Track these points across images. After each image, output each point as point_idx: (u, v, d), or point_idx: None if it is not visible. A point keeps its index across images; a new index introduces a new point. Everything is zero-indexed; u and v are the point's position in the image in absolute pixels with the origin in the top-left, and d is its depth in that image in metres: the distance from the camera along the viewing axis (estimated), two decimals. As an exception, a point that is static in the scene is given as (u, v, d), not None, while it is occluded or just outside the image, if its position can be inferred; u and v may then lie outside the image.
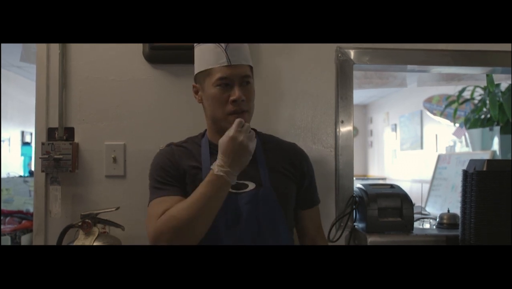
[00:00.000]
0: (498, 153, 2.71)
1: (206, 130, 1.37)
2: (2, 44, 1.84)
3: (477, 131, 2.98)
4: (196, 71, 1.30)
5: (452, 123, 4.06)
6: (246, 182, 1.24)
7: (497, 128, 2.82)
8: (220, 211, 1.18)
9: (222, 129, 1.23)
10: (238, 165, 1.15)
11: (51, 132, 1.61)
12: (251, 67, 1.30)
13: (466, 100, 3.30)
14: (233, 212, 1.22)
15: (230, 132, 1.14)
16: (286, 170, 1.33)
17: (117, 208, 1.47)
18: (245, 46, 1.29)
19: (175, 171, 1.27)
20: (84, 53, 1.64)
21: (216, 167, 1.14)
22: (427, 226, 1.77)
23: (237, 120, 1.16)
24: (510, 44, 1.70)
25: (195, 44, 1.31)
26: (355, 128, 1.93)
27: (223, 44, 1.23)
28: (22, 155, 5.93)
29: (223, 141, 1.15)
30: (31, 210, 2.97)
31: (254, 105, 1.31)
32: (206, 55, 1.25)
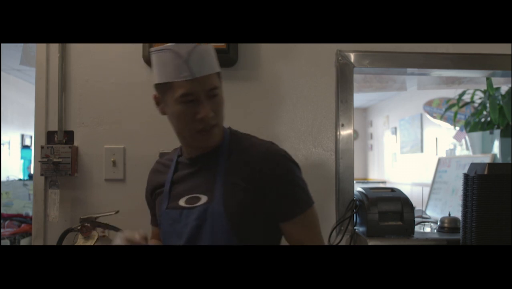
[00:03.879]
0: (498, 156, 2.70)
1: None
2: (2, 48, 1.84)
3: (477, 135, 2.98)
4: (155, 82, 1.12)
5: (452, 127, 4.07)
6: (199, 195, 1.13)
7: (497, 132, 2.81)
8: (168, 226, 1.16)
9: (191, 145, 1.17)
10: None
11: (50, 135, 1.61)
12: (218, 74, 1.12)
13: (466, 104, 3.30)
14: (179, 228, 1.14)
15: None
16: (244, 181, 1.12)
17: (117, 212, 1.47)
18: (209, 49, 1.10)
19: (149, 196, 1.29)
20: (84, 57, 1.64)
21: None
22: (428, 230, 1.76)
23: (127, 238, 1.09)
24: (510, 47, 1.70)
25: (151, 48, 1.14)
26: (355, 132, 1.93)
27: (183, 54, 1.05)
28: (21, 158, 5.93)
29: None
30: (31, 213, 2.96)
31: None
32: (165, 66, 1.08)
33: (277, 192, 1.12)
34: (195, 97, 1.07)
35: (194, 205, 1.12)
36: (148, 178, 1.29)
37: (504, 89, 2.88)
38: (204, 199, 1.12)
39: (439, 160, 2.78)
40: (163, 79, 1.09)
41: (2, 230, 2.77)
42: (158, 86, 1.12)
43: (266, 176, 1.11)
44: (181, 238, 1.13)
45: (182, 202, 1.15)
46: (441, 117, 4.69)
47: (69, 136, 1.61)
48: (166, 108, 1.14)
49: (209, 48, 1.10)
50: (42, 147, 1.57)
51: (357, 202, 1.61)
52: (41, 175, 1.58)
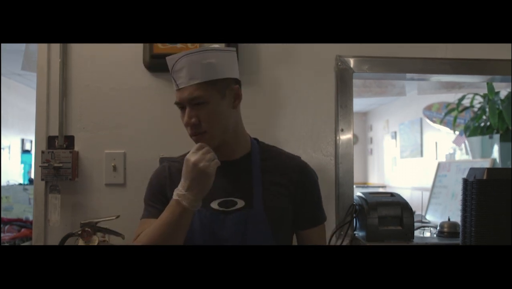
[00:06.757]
0: (498, 160, 2.70)
1: None
2: (3, 52, 1.84)
3: (476, 139, 2.98)
4: None
5: (452, 131, 4.06)
6: (235, 199, 1.17)
7: (496, 136, 2.82)
8: (202, 230, 1.16)
9: None
10: (198, 190, 1.08)
11: (51, 140, 1.61)
12: (209, 82, 1.13)
13: (466, 108, 3.30)
14: (217, 232, 1.16)
15: (188, 156, 1.10)
16: (282, 187, 1.23)
17: (117, 217, 1.47)
18: (194, 60, 1.12)
19: (160, 193, 1.24)
20: (84, 62, 1.64)
21: (175, 191, 1.09)
22: (427, 234, 1.76)
23: (197, 145, 1.12)
24: (509, 52, 1.70)
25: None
26: (355, 136, 1.93)
27: (170, 66, 1.16)
28: (22, 162, 5.93)
29: (184, 164, 1.10)
30: (31, 218, 2.96)
31: (235, 121, 1.23)
32: None
33: (308, 201, 1.27)
34: (183, 106, 1.16)
35: (231, 209, 1.17)
36: (160, 175, 1.27)
37: (503, 93, 2.89)
38: (241, 203, 1.17)
39: (439, 164, 2.78)
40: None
41: (2, 235, 2.77)
42: None
43: (301, 186, 1.25)
44: (219, 241, 1.15)
45: (214, 205, 1.18)
46: (441, 122, 4.69)
47: (69, 141, 1.62)
48: None
49: (196, 59, 1.12)
50: (42, 152, 1.58)
51: (357, 206, 1.62)
52: (42, 179, 1.58)
